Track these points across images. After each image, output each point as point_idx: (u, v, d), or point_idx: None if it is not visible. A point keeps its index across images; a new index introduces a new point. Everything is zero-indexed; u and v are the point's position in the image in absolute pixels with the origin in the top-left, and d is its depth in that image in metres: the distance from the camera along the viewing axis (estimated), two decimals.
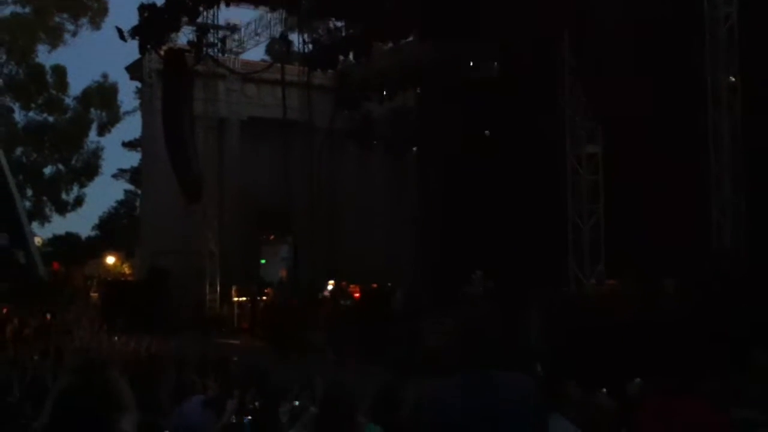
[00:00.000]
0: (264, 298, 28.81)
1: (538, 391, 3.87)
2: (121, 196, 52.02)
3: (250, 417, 8.81)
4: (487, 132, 25.16)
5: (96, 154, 46.12)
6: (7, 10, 41.28)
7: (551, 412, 4.65)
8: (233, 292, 29.86)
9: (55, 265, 35.48)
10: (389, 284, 25.37)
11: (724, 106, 15.46)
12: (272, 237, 32.97)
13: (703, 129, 15.50)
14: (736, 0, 15.60)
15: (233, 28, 30.13)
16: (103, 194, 54.08)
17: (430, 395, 3.57)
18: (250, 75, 31.51)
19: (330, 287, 27.66)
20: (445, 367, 3.82)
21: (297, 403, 8.63)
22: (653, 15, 16.10)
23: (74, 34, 42.67)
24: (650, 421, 4.29)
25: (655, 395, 4.92)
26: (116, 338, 19.71)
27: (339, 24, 27.50)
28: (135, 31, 27.56)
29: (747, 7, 15.64)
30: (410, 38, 26.26)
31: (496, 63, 24.12)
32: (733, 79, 15.67)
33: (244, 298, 29.34)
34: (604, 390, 8.49)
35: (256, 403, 9.53)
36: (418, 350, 14.80)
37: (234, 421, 8.51)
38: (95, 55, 51.31)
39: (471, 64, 24.46)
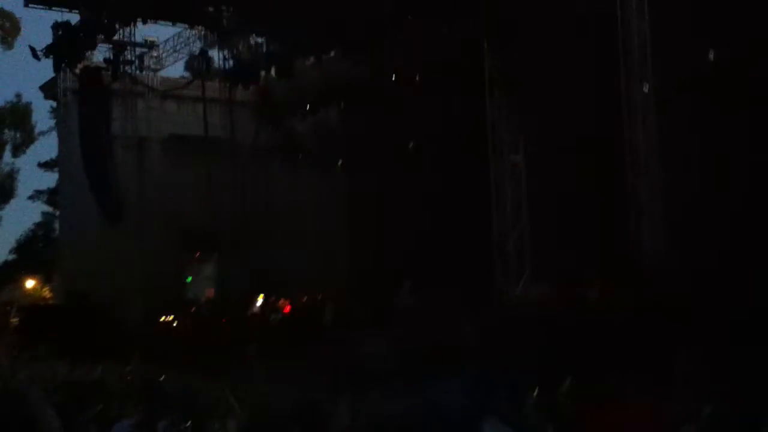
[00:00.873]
0: (189, 318, 28.31)
1: (471, 400, 3.91)
2: (38, 218, 50.65)
3: None
4: (411, 143, 25.33)
5: (11, 176, 44.93)
6: None
7: (488, 417, 4.68)
8: (158, 314, 29.23)
9: None
10: (319, 298, 25.23)
11: (640, 113, 15.89)
12: (197, 255, 32.49)
13: (621, 136, 15.92)
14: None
15: (151, 45, 29.73)
16: (20, 217, 52.57)
17: (376, 414, 3.54)
18: (169, 92, 31.06)
19: (259, 302, 27.37)
20: (382, 381, 3.80)
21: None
22: (570, 23, 16.49)
23: None
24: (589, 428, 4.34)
25: (591, 402, 5.00)
26: (36, 365, 19.09)
27: (260, 40, 27.37)
28: (49, 50, 26.98)
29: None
30: (332, 53, 26.31)
31: (417, 76, 24.30)
32: (647, 88, 16.12)
33: (170, 318, 28.77)
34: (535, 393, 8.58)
35: (187, 424, 9.35)
36: (351, 364, 14.72)
37: None
38: (8, 75, 50.07)
39: (393, 78, 24.61)
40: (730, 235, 14.60)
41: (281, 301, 26.76)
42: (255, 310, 26.89)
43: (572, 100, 16.86)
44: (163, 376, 17.04)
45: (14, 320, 32.61)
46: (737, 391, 8.16)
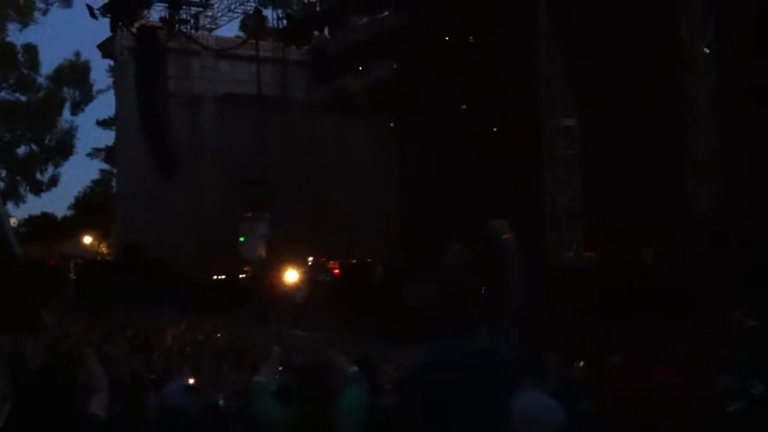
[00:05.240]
0: (243, 276, 28.65)
1: (512, 362, 3.82)
2: (96, 175, 51.56)
3: (223, 394, 8.86)
4: (463, 106, 25.06)
5: (70, 133, 45.59)
6: None
7: (531, 385, 4.59)
8: (212, 272, 29.57)
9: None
10: (369, 260, 25.27)
11: (698, 72, 15.46)
12: (250, 214, 32.74)
13: (678, 97, 15.51)
14: None
15: (206, 4, 29.80)
16: (79, 174, 53.67)
17: (416, 364, 3.48)
18: (224, 51, 31.17)
19: (309, 263, 27.52)
20: (427, 333, 3.74)
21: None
22: None
23: (45, 12, 42.00)
24: (621, 389, 4.24)
25: (627, 362, 4.86)
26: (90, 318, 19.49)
27: None
28: (106, 9, 27.23)
29: None
30: (385, 12, 26.07)
31: (471, 38, 24.01)
32: (708, 50, 15.69)
33: (223, 277, 29.11)
34: (581, 363, 8.49)
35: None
36: (400, 318, 14.71)
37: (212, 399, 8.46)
38: (67, 33, 50.71)
39: (446, 39, 24.36)
40: None
41: (330, 263, 26.91)
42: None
43: (628, 60, 16.45)
44: (218, 334, 17.36)
45: (72, 275, 33.34)
46: None
